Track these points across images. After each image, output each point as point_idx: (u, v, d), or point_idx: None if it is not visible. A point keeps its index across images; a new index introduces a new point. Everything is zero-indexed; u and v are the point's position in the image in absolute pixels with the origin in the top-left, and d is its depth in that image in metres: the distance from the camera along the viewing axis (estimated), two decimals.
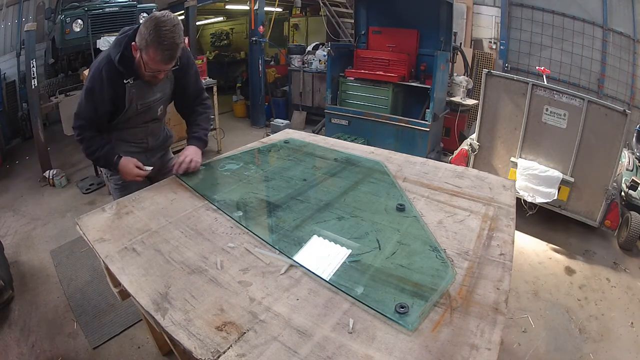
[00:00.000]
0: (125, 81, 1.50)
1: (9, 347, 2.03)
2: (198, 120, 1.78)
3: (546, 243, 3.21)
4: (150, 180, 1.71)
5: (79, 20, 4.62)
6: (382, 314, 0.90)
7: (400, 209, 1.39)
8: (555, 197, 3.15)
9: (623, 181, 3.42)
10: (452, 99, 4.85)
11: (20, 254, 2.85)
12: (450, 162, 3.54)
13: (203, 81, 4.41)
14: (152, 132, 1.77)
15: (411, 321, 0.88)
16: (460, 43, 5.85)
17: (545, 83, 3.32)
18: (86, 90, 1.52)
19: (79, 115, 1.56)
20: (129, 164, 1.58)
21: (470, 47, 6.68)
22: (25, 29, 3.88)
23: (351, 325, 0.87)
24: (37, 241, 3.01)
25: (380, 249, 1.16)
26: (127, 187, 1.69)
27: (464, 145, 3.74)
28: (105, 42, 4.44)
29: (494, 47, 6.60)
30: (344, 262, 1.10)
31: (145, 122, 1.70)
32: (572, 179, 3.15)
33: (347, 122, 4.68)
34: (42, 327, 2.16)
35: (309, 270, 1.06)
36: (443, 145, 4.93)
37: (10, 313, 2.26)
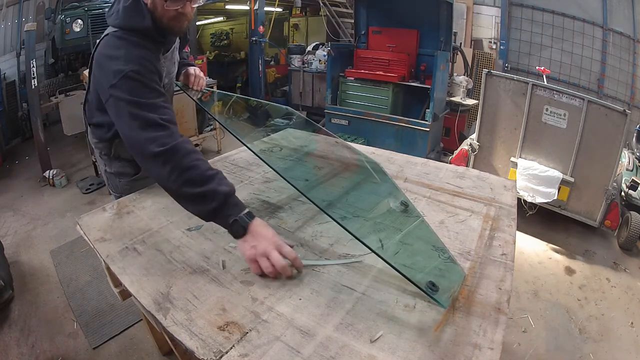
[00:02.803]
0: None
1: (9, 347, 2.03)
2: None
3: (546, 243, 3.21)
4: None
5: (79, 20, 4.63)
6: (423, 290, 0.92)
7: (403, 209, 1.39)
8: (555, 197, 3.16)
9: (623, 181, 3.43)
10: (452, 99, 4.85)
11: (20, 254, 2.84)
12: (450, 162, 3.54)
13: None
14: None
15: (444, 300, 0.91)
16: (460, 43, 5.86)
17: (545, 83, 3.33)
18: (133, 75, 1.07)
19: (144, 108, 1.04)
20: (273, 233, 1.00)
21: (470, 47, 6.69)
22: (25, 29, 3.87)
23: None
24: (37, 241, 3.01)
25: (383, 248, 1.16)
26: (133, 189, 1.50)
27: (464, 145, 3.74)
28: None
29: (494, 47, 6.61)
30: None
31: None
32: (572, 179, 3.15)
33: (347, 122, 4.68)
34: (42, 327, 2.16)
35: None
36: (443, 145, 4.93)
37: (10, 313, 2.25)
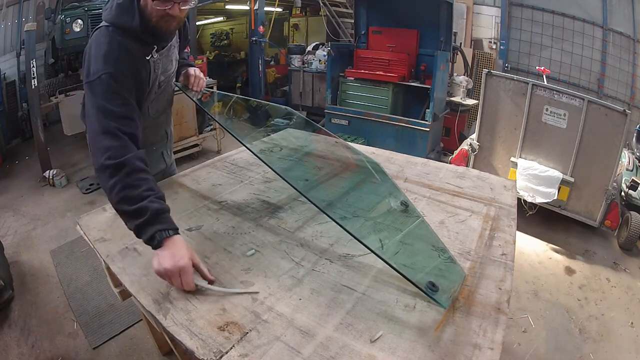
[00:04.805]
0: (147, 57, 1.24)
1: (9, 347, 2.03)
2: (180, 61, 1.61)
3: (546, 243, 3.21)
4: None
5: (79, 20, 4.62)
6: (423, 291, 0.92)
7: (403, 209, 1.39)
8: (555, 197, 3.16)
9: (623, 181, 3.43)
10: (452, 99, 4.85)
11: (20, 254, 2.84)
12: (450, 162, 3.54)
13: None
14: (169, 119, 1.64)
15: (444, 300, 0.91)
16: (460, 43, 5.85)
17: (545, 83, 3.33)
18: (107, 78, 1.07)
19: (108, 116, 1.05)
20: (189, 251, 0.98)
21: (470, 47, 6.69)
22: (25, 29, 3.87)
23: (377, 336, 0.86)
24: (37, 241, 3.01)
25: (383, 248, 1.16)
26: None
27: (464, 145, 3.74)
28: None
29: (494, 47, 6.61)
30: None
31: (165, 107, 1.51)
32: (572, 179, 3.15)
33: (347, 122, 4.68)
34: (42, 327, 2.16)
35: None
36: (443, 145, 4.93)
37: (10, 313, 2.25)
